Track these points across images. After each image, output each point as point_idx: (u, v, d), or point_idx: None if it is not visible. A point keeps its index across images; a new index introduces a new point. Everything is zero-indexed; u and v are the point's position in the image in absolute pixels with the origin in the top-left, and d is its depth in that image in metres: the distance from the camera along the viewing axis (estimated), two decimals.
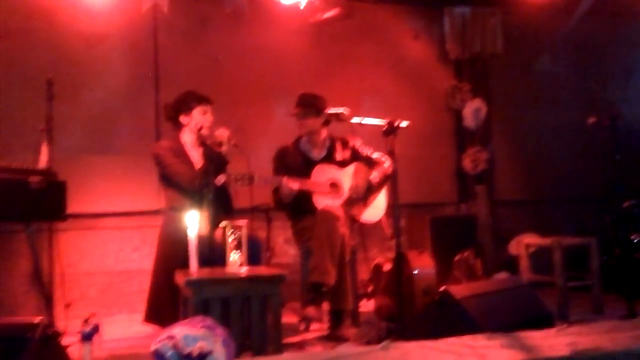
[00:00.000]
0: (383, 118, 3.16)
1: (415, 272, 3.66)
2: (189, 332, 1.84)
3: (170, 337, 1.82)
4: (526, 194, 5.73)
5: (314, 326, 3.66)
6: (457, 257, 4.37)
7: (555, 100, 5.90)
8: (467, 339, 2.30)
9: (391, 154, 3.17)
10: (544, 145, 5.84)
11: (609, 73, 6.09)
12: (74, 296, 4.11)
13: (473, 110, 5.43)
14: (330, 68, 5.11)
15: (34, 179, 2.91)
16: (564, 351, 2.19)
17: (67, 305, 3.78)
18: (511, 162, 5.73)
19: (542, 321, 2.86)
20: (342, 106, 3.58)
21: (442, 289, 2.80)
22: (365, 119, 3.33)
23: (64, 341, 2.66)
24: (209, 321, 1.95)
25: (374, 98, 5.09)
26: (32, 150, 3.57)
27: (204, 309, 2.63)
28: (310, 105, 3.74)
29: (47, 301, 3.40)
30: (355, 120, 3.38)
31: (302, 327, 3.66)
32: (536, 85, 5.86)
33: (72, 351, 2.70)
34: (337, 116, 3.53)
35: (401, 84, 5.42)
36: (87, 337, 2.79)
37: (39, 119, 3.58)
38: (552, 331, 2.50)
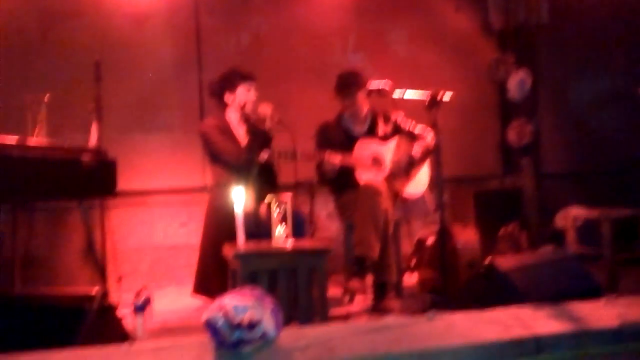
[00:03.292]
0: (425, 90, 3.14)
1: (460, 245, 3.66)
2: (238, 302, 1.88)
3: (221, 307, 1.87)
4: (573, 166, 5.60)
5: (358, 298, 3.70)
6: (501, 231, 4.33)
7: (603, 70, 5.71)
8: (513, 310, 2.28)
9: (434, 127, 3.15)
10: (592, 115, 5.67)
11: None
12: (125, 270, 4.23)
13: (518, 82, 5.31)
14: (371, 43, 5.07)
15: (86, 158, 2.99)
16: (613, 322, 2.15)
17: (119, 279, 3.92)
18: (557, 133, 5.59)
19: (591, 293, 2.81)
20: (383, 79, 3.56)
21: (487, 260, 2.78)
22: (408, 92, 3.31)
23: (119, 313, 2.76)
24: (257, 291, 1.99)
25: (415, 72, 5.02)
26: (82, 130, 3.67)
27: (252, 281, 2.70)
28: (352, 83, 3.73)
29: (101, 275, 3.53)
30: (397, 94, 3.37)
31: (346, 299, 3.71)
32: (583, 54, 5.68)
33: (125, 323, 2.81)
34: (379, 91, 3.51)
35: (443, 57, 5.33)
36: (139, 309, 2.89)
37: (88, 99, 3.68)
38: (600, 302, 2.46)
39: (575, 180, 5.53)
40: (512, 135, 5.38)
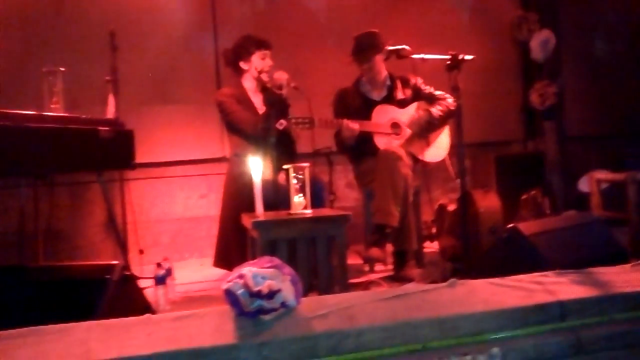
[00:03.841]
0: (446, 53, 3.06)
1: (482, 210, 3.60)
2: (257, 271, 1.88)
3: (240, 277, 1.87)
4: (598, 129, 5.47)
5: (378, 267, 3.69)
6: (524, 196, 4.26)
7: (629, 29, 5.53)
8: (536, 276, 2.25)
9: (455, 89, 3.08)
10: (618, 77, 5.52)
11: None
12: (147, 243, 4.27)
13: (541, 42, 5.16)
14: (389, 5, 4.96)
15: (104, 129, 2.98)
16: (639, 287, 2.11)
17: (141, 252, 3.96)
18: (582, 95, 5.46)
19: (616, 257, 2.75)
20: (402, 44, 3.49)
21: (510, 225, 2.73)
22: (428, 54, 3.23)
23: (140, 285, 2.78)
24: (276, 261, 1.98)
25: (435, 33, 4.91)
26: (99, 101, 3.67)
27: (271, 250, 2.68)
28: (370, 45, 3.65)
29: (122, 247, 3.55)
30: (417, 56, 3.29)
31: (367, 268, 3.70)
32: (609, 13, 5.50)
33: (148, 294, 2.83)
34: (398, 53, 3.44)
35: (463, 17, 5.22)
36: (161, 280, 2.92)
37: (104, 70, 3.66)
38: (626, 267, 2.41)
39: (600, 143, 5.41)
40: (534, 98, 5.27)
